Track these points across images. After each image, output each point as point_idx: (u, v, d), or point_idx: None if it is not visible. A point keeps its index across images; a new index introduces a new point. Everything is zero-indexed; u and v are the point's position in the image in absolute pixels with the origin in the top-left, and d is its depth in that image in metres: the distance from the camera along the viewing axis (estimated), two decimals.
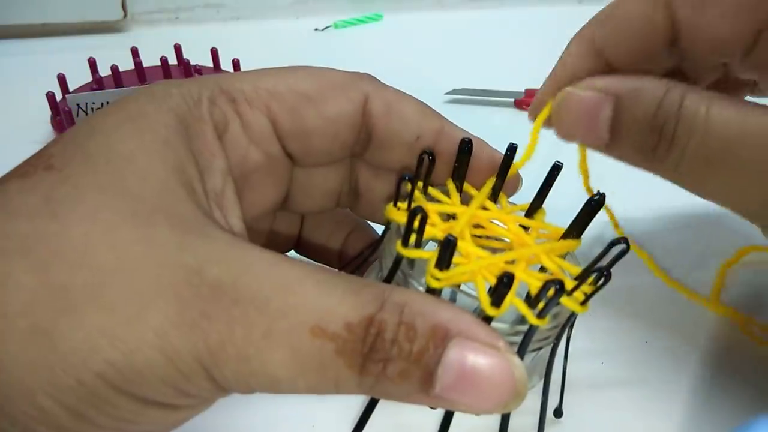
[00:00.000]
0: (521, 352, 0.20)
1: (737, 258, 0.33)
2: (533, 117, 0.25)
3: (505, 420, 0.21)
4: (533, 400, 0.23)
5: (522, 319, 0.19)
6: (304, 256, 0.29)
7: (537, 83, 0.54)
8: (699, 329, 0.30)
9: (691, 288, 0.32)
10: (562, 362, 0.26)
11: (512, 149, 0.24)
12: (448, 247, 0.18)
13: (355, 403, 0.25)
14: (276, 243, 0.28)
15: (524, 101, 0.49)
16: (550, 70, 0.25)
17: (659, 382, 0.28)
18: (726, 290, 0.32)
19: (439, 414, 0.20)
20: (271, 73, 0.23)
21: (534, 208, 0.24)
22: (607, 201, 0.22)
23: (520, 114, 0.49)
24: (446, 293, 0.21)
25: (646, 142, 0.23)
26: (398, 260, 0.21)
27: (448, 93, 0.50)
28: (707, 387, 0.28)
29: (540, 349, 0.22)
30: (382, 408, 0.21)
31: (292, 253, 0.30)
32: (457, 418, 0.22)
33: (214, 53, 0.49)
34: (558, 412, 0.26)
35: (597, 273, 0.20)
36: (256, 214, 0.24)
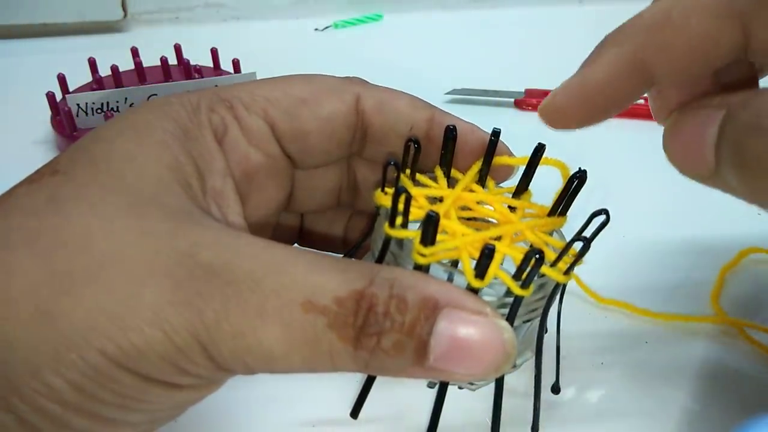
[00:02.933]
0: (510, 323, 0.20)
1: (737, 260, 0.33)
2: (545, 118, 0.22)
3: (498, 395, 0.22)
4: (526, 380, 0.23)
5: (509, 292, 0.20)
6: (309, 247, 0.30)
7: (537, 83, 0.54)
8: (699, 330, 0.30)
9: (691, 290, 0.32)
10: (556, 339, 0.26)
11: (496, 134, 0.24)
12: (430, 223, 0.19)
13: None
14: (278, 240, 0.29)
15: (524, 101, 0.49)
16: (575, 74, 0.21)
17: (659, 382, 0.28)
18: (725, 292, 0.32)
19: (433, 392, 0.21)
20: (266, 82, 0.25)
21: (520, 189, 0.25)
22: (607, 205, 0.22)
23: (520, 114, 0.49)
24: (442, 276, 0.21)
25: None
26: (387, 242, 0.22)
27: (448, 93, 0.50)
28: (707, 388, 0.28)
29: (530, 321, 0.23)
30: (380, 386, 0.21)
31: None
32: (452, 399, 0.22)
33: (214, 53, 0.49)
34: (555, 389, 0.26)
35: (580, 244, 0.20)
36: (262, 215, 0.25)
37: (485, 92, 0.50)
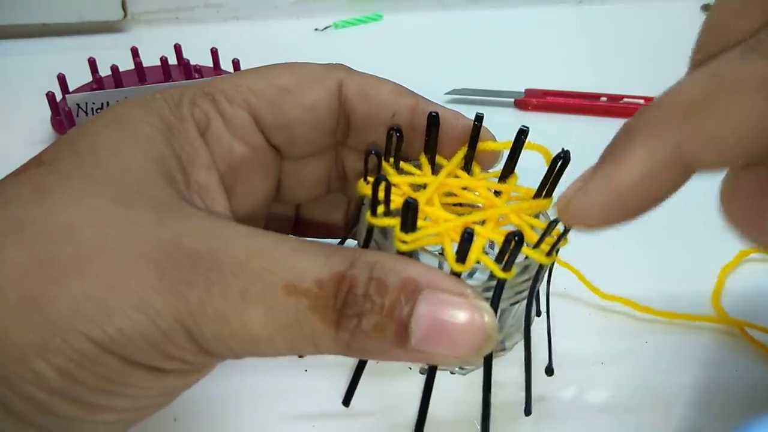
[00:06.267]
0: (494, 306, 0.20)
1: (737, 260, 0.33)
2: (565, 219, 0.18)
3: (487, 379, 0.21)
4: (517, 370, 0.24)
5: (493, 275, 0.20)
6: (307, 236, 0.30)
7: (537, 83, 0.54)
8: (699, 330, 0.30)
9: (691, 290, 0.32)
10: (546, 322, 0.26)
11: (479, 119, 0.24)
12: (408, 209, 0.19)
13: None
14: (272, 230, 0.29)
15: (524, 101, 0.49)
16: (597, 170, 0.17)
17: (659, 382, 0.28)
18: (726, 292, 0.32)
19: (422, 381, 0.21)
20: (250, 72, 0.25)
21: (506, 173, 0.25)
22: None
23: (520, 114, 0.49)
24: (433, 263, 0.21)
25: None
26: (370, 230, 0.22)
27: (448, 93, 0.50)
28: (707, 388, 0.28)
29: (518, 303, 0.23)
30: (372, 377, 0.21)
31: None
32: (444, 388, 0.22)
33: (214, 53, 0.49)
34: (549, 370, 0.27)
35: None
36: (250, 207, 0.25)
37: (485, 92, 0.50)
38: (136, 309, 0.17)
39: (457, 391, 0.26)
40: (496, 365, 0.21)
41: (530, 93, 0.50)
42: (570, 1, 0.66)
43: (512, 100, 0.50)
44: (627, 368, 0.28)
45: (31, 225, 0.17)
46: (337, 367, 0.26)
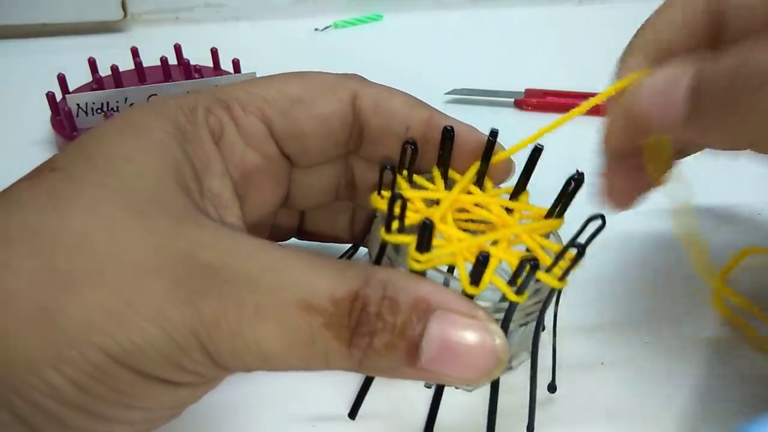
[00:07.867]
0: (504, 328, 0.20)
1: (737, 260, 0.33)
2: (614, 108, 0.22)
3: (494, 396, 0.21)
4: (523, 377, 0.24)
5: (505, 297, 0.20)
6: (311, 239, 0.30)
7: (537, 83, 0.54)
8: (700, 330, 0.30)
9: (691, 290, 0.32)
10: (552, 340, 0.26)
11: (494, 134, 0.24)
12: (425, 230, 0.19)
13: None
14: (277, 235, 0.29)
15: (524, 101, 0.49)
16: (634, 41, 0.22)
17: (659, 382, 0.28)
18: (726, 292, 0.32)
19: (431, 391, 0.21)
20: (263, 81, 0.25)
21: (518, 190, 0.25)
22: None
23: (520, 114, 0.49)
24: (439, 281, 0.21)
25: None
26: (383, 246, 0.22)
27: (448, 93, 0.50)
28: (707, 387, 0.28)
29: (527, 324, 0.23)
30: (378, 385, 0.21)
31: (294, 241, 0.30)
32: (450, 397, 0.22)
33: (214, 53, 0.49)
34: (552, 387, 0.27)
35: (576, 249, 0.20)
36: (259, 214, 0.25)
37: (485, 92, 0.50)
38: (151, 321, 0.17)
39: (464, 397, 0.26)
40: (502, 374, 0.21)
41: (530, 93, 0.50)
42: (570, 1, 0.66)
43: (512, 100, 0.50)
44: (628, 368, 0.28)
45: (45, 233, 0.17)
46: (342, 372, 0.26)
